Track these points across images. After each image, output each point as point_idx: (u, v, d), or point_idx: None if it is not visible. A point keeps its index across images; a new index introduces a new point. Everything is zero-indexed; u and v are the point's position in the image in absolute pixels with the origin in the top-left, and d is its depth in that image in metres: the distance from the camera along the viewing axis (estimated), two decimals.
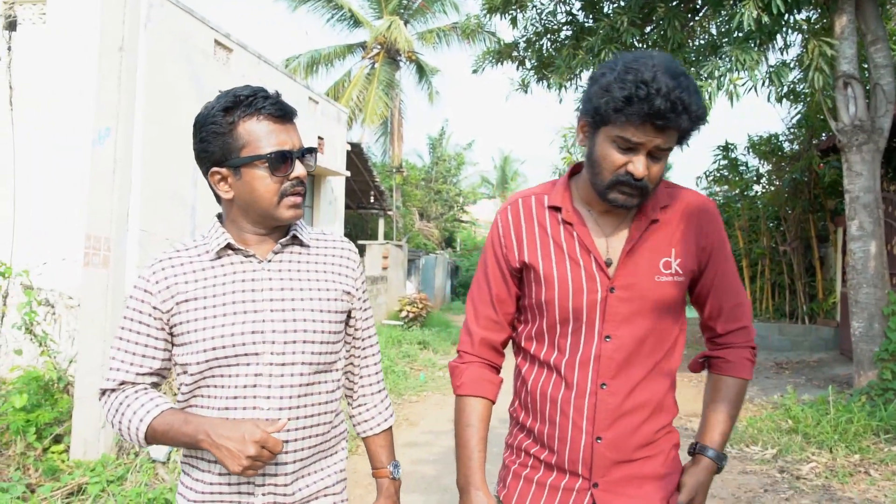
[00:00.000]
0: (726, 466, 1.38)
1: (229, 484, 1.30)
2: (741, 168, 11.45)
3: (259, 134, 1.28)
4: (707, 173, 11.61)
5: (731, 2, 6.27)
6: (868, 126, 6.22)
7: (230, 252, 1.35)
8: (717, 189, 11.74)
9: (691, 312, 1.51)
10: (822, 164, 9.79)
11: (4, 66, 6.11)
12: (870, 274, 6.18)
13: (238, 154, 1.28)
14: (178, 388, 1.35)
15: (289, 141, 1.30)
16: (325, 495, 1.39)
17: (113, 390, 1.33)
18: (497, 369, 1.49)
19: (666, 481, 1.37)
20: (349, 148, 13.61)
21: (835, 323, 9.78)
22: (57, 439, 3.90)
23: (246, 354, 1.28)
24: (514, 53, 8.55)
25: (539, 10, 8.15)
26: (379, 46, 20.71)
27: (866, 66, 6.69)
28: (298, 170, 1.31)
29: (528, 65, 8.51)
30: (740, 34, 6.09)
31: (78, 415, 3.80)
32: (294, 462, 1.32)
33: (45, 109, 6.22)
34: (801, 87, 8.42)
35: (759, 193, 11.53)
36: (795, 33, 6.98)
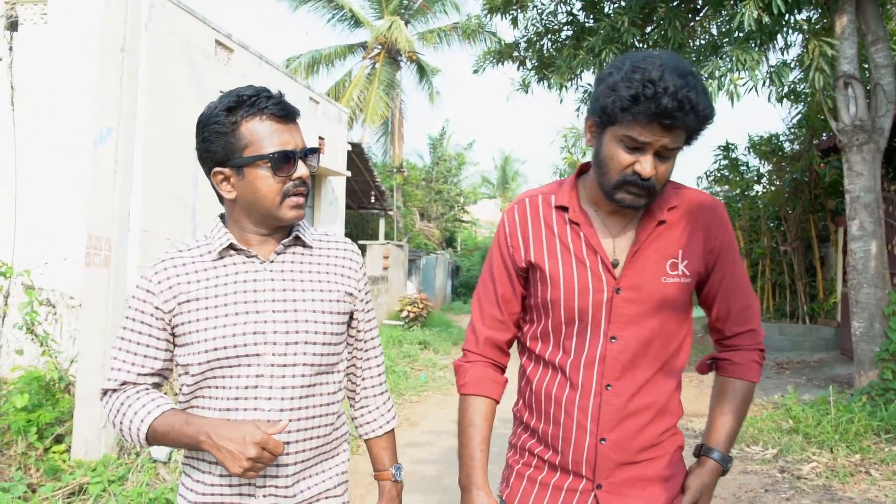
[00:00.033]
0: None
1: (230, 485, 1.29)
2: (742, 168, 11.44)
3: (262, 134, 1.27)
4: (707, 173, 11.61)
5: (732, 2, 6.28)
6: (868, 126, 6.22)
7: (232, 252, 1.34)
8: (718, 189, 11.73)
9: (698, 312, 1.51)
10: (822, 164, 9.79)
11: (6, 67, 6.12)
12: (870, 274, 6.17)
13: (241, 154, 1.28)
14: (180, 389, 1.35)
15: (291, 141, 1.30)
16: (327, 497, 1.38)
17: (114, 390, 1.33)
18: (502, 369, 1.48)
19: (670, 483, 1.36)
20: (350, 148, 13.61)
21: (835, 323, 9.78)
22: (58, 439, 3.90)
23: (247, 355, 1.28)
24: (515, 53, 8.55)
25: (540, 11, 8.16)
26: (380, 46, 20.71)
27: (867, 66, 6.69)
28: (301, 170, 1.30)
29: (528, 65, 8.52)
30: (741, 34, 6.09)
31: (79, 415, 3.80)
32: (295, 464, 1.32)
33: (47, 110, 6.22)
34: (802, 87, 8.42)
35: (760, 193, 11.52)
36: (796, 33, 6.98)
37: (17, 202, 6.01)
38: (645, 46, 7.66)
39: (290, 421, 1.29)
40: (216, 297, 1.30)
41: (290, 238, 1.37)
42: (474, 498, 1.38)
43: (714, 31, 7.95)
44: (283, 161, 1.28)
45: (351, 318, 1.45)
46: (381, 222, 17.77)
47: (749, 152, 11.23)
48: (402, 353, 9.53)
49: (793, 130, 10.75)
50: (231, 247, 1.34)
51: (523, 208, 1.42)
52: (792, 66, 7.14)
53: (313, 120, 10.90)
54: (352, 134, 18.11)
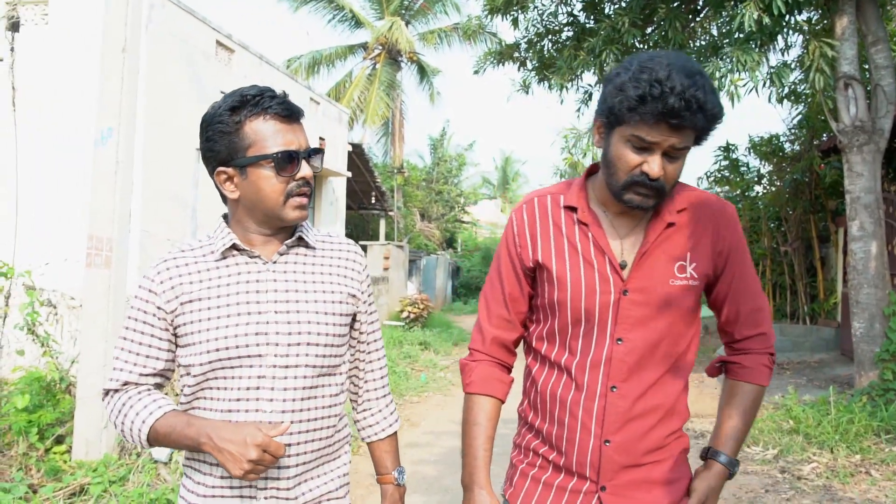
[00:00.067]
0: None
1: (231, 487, 1.29)
2: (742, 169, 11.43)
3: (265, 133, 1.27)
4: (708, 174, 11.61)
5: (732, 3, 6.28)
6: (869, 127, 6.22)
7: (235, 253, 1.34)
8: (719, 190, 11.73)
9: (705, 311, 1.50)
10: (822, 164, 9.79)
11: (7, 67, 6.12)
12: (870, 274, 6.17)
13: (244, 154, 1.28)
14: (181, 390, 1.34)
15: (295, 141, 1.29)
16: (329, 500, 1.37)
17: (116, 391, 1.32)
18: (508, 368, 1.48)
19: (675, 486, 1.35)
20: (350, 148, 13.62)
21: (836, 323, 9.77)
22: (59, 440, 3.91)
23: (249, 356, 1.27)
24: (516, 54, 8.55)
25: (540, 11, 8.15)
26: (380, 47, 20.72)
27: (867, 66, 6.69)
28: (304, 170, 1.30)
29: (529, 66, 8.52)
30: (741, 35, 6.09)
31: (80, 415, 3.80)
32: (297, 466, 1.31)
33: (48, 110, 6.23)
34: (802, 87, 8.42)
35: (760, 194, 11.51)
36: (796, 34, 6.98)
37: (18, 202, 6.02)
38: (645, 47, 7.66)
39: (292, 423, 1.29)
40: (218, 298, 1.30)
41: (294, 239, 1.36)
42: (476, 497, 1.37)
43: (714, 32, 7.95)
44: (286, 161, 1.27)
45: (354, 319, 1.44)
46: (382, 223, 17.78)
47: (749, 153, 11.23)
48: (403, 354, 9.53)
49: (793, 131, 10.75)
50: (234, 247, 1.33)
51: (532, 208, 1.41)
52: (792, 66, 7.14)
53: (314, 121, 10.91)
54: (352, 134, 18.12)
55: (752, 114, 11.26)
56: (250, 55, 8.72)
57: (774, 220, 11.02)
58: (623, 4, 7.56)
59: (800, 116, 10.32)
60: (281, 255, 1.35)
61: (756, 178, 11.55)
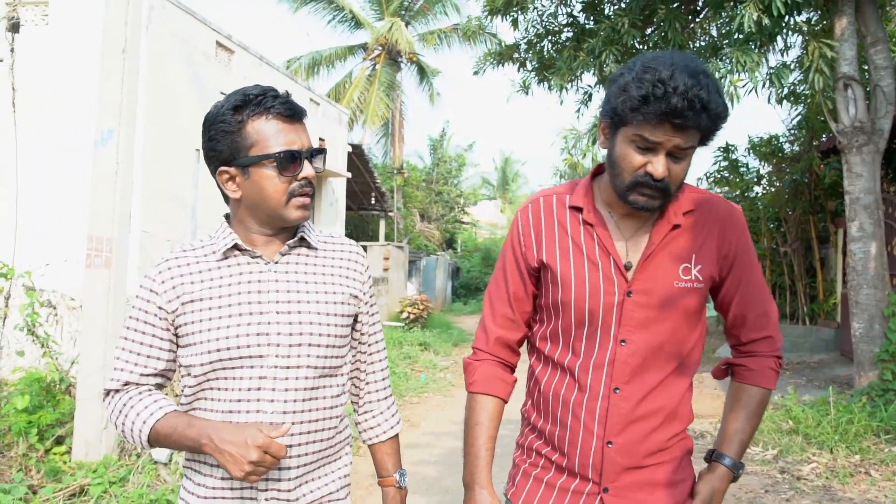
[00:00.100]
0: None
1: (232, 488, 1.28)
2: (742, 169, 11.44)
3: (268, 133, 1.27)
4: (707, 174, 11.61)
5: (732, 3, 6.29)
6: (868, 127, 6.22)
7: (237, 253, 1.33)
8: (718, 190, 11.73)
9: (710, 311, 1.49)
10: (822, 165, 9.79)
11: (7, 68, 6.12)
12: (870, 275, 6.18)
13: (246, 153, 1.27)
14: (182, 391, 1.33)
15: (298, 141, 1.29)
16: (329, 501, 1.37)
17: (117, 391, 1.32)
18: (511, 368, 1.47)
19: (678, 488, 1.34)
20: (350, 149, 13.63)
21: (835, 324, 9.77)
22: (59, 440, 3.90)
23: (250, 357, 1.27)
24: (515, 55, 8.55)
25: (540, 12, 8.16)
26: (380, 48, 20.74)
27: (866, 67, 6.70)
28: (307, 170, 1.30)
29: (528, 66, 8.52)
30: (741, 36, 6.10)
31: (80, 416, 3.80)
32: (298, 467, 1.30)
33: (48, 111, 6.24)
34: (802, 88, 8.42)
35: (760, 195, 11.51)
36: (796, 35, 6.99)
37: (18, 203, 6.02)
38: (645, 48, 7.66)
39: (293, 424, 1.28)
40: (220, 298, 1.29)
41: (296, 239, 1.36)
42: (477, 496, 1.37)
43: (714, 33, 7.95)
44: (288, 161, 1.27)
45: (355, 320, 1.44)
46: (382, 223, 17.79)
47: (749, 154, 11.23)
48: (403, 355, 9.53)
49: (792, 132, 10.75)
50: (236, 247, 1.33)
51: (537, 207, 1.41)
52: (792, 67, 7.15)
53: (314, 121, 10.92)
54: (352, 135, 18.13)
55: (752, 114, 11.26)
56: (250, 56, 8.73)
57: (774, 220, 11.02)
58: (623, 5, 7.57)
59: (799, 117, 10.32)
60: (283, 255, 1.35)
61: (755, 179, 11.55)
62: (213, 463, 1.29)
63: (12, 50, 6.11)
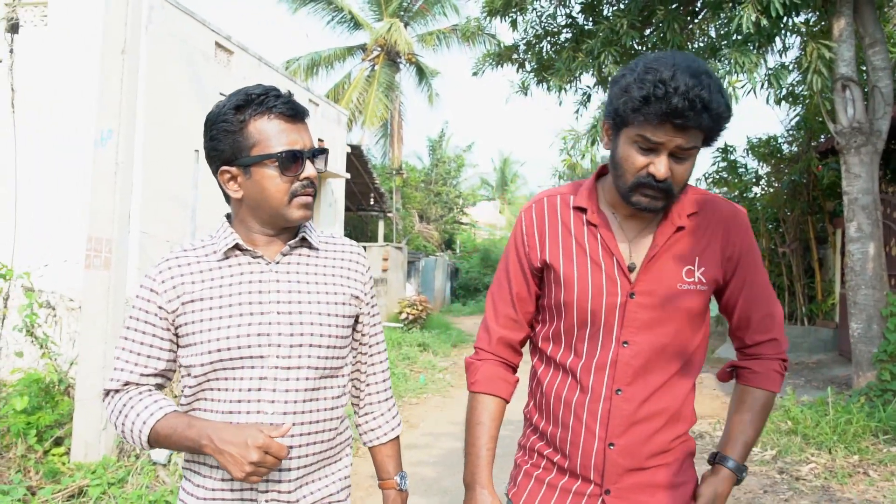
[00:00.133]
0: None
1: (231, 490, 1.27)
2: (740, 170, 11.45)
3: (270, 133, 1.26)
4: (706, 175, 11.62)
5: (730, 4, 6.30)
6: (866, 128, 6.24)
7: (238, 253, 1.33)
8: (717, 191, 11.74)
9: (715, 310, 1.48)
10: (820, 165, 9.80)
11: (6, 69, 6.12)
12: (868, 275, 6.19)
13: (248, 153, 1.27)
14: (182, 391, 1.33)
15: (300, 141, 1.28)
16: (330, 503, 1.36)
17: (116, 391, 1.31)
18: (513, 368, 1.47)
19: (680, 490, 1.34)
20: (349, 150, 13.63)
21: (834, 324, 9.79)
22: (58, 442, 3.90)
23: (251, 357, 1.26)
24: (514, 56, 8.56)
25: (539, 13, 8.17)
26: (379, 48, 20.75)
27: (864, 68, 6.71)
28: (309, 170, 1.29)
29: (527, 67, 8.53)
30: (739, 37, 6.11)
31: (79, 417, 3.80)
32: (298, 468, 1.30)
33: (47, 111, 6.24)
34: (800, 89, 8.43)
35: (758, 195, 11.53)
36: (794, 36, 7.00)
37: (18, 204, 6.01)
38: (643, 49, 7.67)
39: (294, 425, 1.28)
40: (220, 298, 1.29)
41: (297, 239, 1.35)
42: (478, 496, 1.37)
43: (712, 34, 7.96)
44: (290, 161, 1.27)
45: (356, 321, 1.43)
46: (381, 224, 17.80)
47: (747, 154, 11.24)
48: (402, 356, 9.54)
49: (791, 132, 10.76)
50: (237, 247, 1.32)
51: (541, 208, 1.41)
52: (790, 68, 7.16)
53: (313, 122, 10.87)
54: (351, 136, 18.15)
55: (750, 115, 11.28)
56: (249, 56, 8.73)
57: (772, 221, 11.03)
58: (621, 6, 7.58)
59: (797, 118, 10.34)
60: (284, 255, 1.34)
61: (754, 180, 11.56)
62: (213, 464, 1.28)
63: (11, 51, 6.11)
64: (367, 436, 1.50)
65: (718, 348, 10.23)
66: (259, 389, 1.27)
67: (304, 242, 1.37)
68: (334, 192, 12.87)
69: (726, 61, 6.14)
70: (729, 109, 1.20)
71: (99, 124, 3.86)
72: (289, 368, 1.28)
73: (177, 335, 1.31)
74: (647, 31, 7.72)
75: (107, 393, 1.33)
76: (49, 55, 6.32)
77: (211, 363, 1.26)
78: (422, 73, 22.02)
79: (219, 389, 1.28)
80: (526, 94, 8.56)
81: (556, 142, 8.49)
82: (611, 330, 1.31)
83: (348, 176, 13.28)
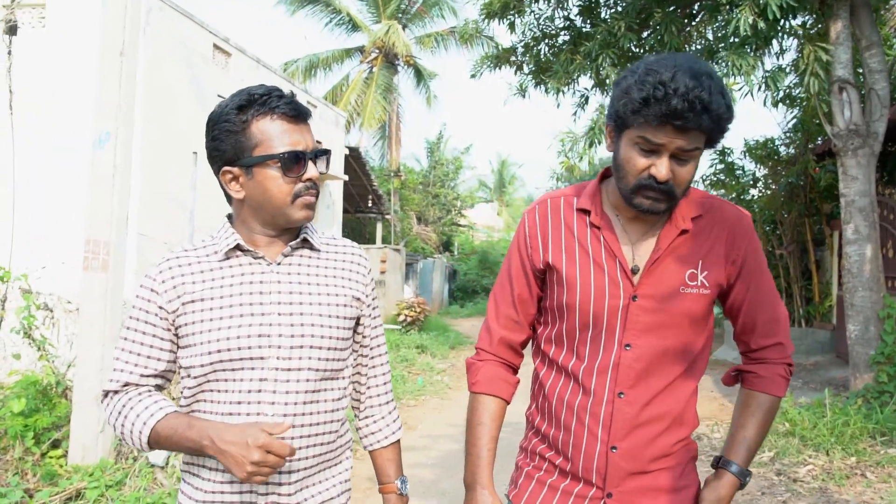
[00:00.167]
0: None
1: (231, 492, 1.26)
2: (737, 172, 11.48)
3: (272, 133, 1.25)
4: (704, 177, 11.65)
5: (728, 7, 6.32)
6: (863, 130, 6.26)
7: (239, 253, 1.32)
8: (714, 193, 11.76)
9: (718, 309, 1.47)
10: (817, 168, 9.83)
11: (4, 71, 6.11)
12: (865, 277, 6.21)
13: (250, 153, 1.26)
14: (181, 393, 1.32)
15: (302, 141, 1.28)
16: None
17: (116, 392, 1.30)
18: (514, 369, 1.47)
19: (682, 494, 1.33)
20: (347, 152, 13.63)
21: (831, 326, 9.81)
22: (55, 444, 3.89)
23: (251, 358, 1.25)
24: (512, 58, 8.57)
25: (537, 16, 8.18)
26: (377, 50, 20.76)
27: (861, 70, 6.74)
28: (311, 171, 1.29)
29: (525, 69, 8.54)
30: (736, 39, 6.13)
31: (76, 419, 3.79)
32: (299, 471, 1.29)
33: (45, 113, 6.23)
34: (797, 91, 8.46)
35: (756, 197, 11.55)
36: (791, 38, 7.03)
37: (16, 206, 6.00)
38: (641, 51, 7.69)
39: (294, 427, 1.27)
40: (221, 298, 1.28)
41: (298, 240, 1.35)
42: (479, 497, 1.36)
43: (710, 36, 7.98)
44: (293, 161, 1.26)
45: (357, 323, 1.43)
46: (379, 226, 17.80)
47: (745, 156, 11.27)
48: (400, 358, 9.53)
49: (788, 135, 10.79)
50: (238, 247, 1.31)
51: (544, 209, 1.40)
52: (787, 70, 7.18)
53: (311, 124, 10.91)
54: (349, 138, 18.15)
55: (748, 117, 11.31)
56: (247, 59, 8.73)
57: (770, 223, 11.05)
58: (619, 9, 7.60)
59: (795, 120, 10.37)
60: (285, 256, 1.34)
61: (751, 182, 11.59)
62: (213, 466, 1.27)
63: (10, 52, 6.10)
64: (367, 439, 1.49)
65: (716, 350, 10.24)
66: (259, 391, 1.26)
67: (306, 243, 1.37)
68: (332, 194, 12.87)
69: (723, 64, 6.16)
70: (730, 111, 1.20)
71: (97, 126, 3.86)
72: (289, 370, 1.27)
73: (177, 336, 1.30)
74: (645, 34, 7.73)
75: (105, 394, 1.32)
76: (47, 57, 6.32)
77: (211, 364, 1.26)
78: (420, 75, 22.04)
79: (218, 391, 1.27)
80: (524, 96, 8.58)
81: (553, 144, 8.51)
82: (613, 332, 1.30)
83: (346, 178, 13.28)
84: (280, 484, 1.28)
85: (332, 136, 12.25)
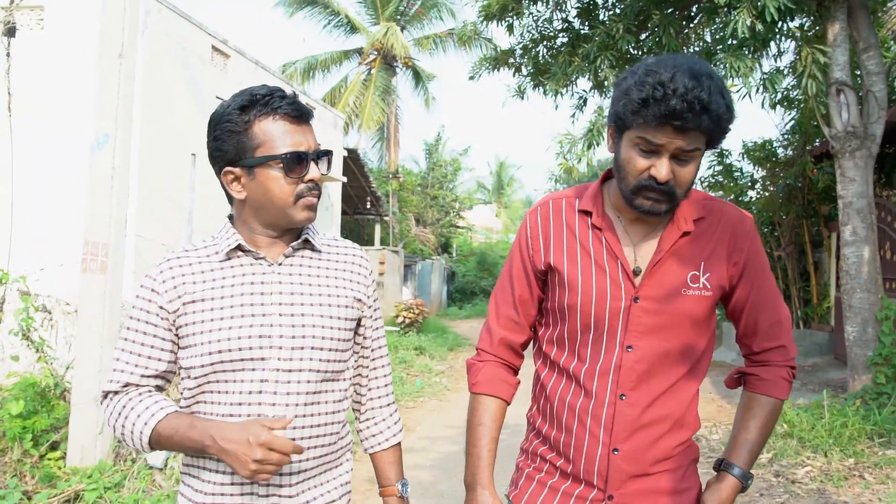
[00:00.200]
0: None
1: (232, 494, 1.26)
2: (736, 174, 11.50)
3: (274, 134, 1.25)
4: (702, 179, 11.67)
5: (726, 9, 6.33)
6: (861, 132, 6.27)
7: (240, 254, 1.32)
8: (712, 195, 11.77)
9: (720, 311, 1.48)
10: (815, 169, 9.86)
11: (3, 72, 6.11)
12: (863, 279, 6.22)
13: (252, 154, 1.26)
14: (181, 394, 1.32)
15: (304, 142, 1.28)
16: None
17: (116, 392, 1.29)
18: (515, 370, 1.47)
19: (683, 497, 1.33)
20: (346, 154, 13.64)
21: (829, 328, 9.82)
22: (53, 446, 3.89)
23: (252, 359, 1.25)
24: (511, 60, 8.58)
25: (535, 18, 8.20)
26: (375, 52, 20.77)
27: (859, 72, 6.76)
28: (313, 172, 1.28)
29: (524, 71, 8.55)
30: (734, 41, 6.15)
31: (75, 421, 3.79)
32: (300, 472, 1.29)
33: (44, 115, 6.22)
34: (795, 93, 8.48)
35: (754, 199, 11.58)
36: (789, 41, 7.05)
37: (14, 207, 6.00)
38: (639, 53, 7.71)
39: (295, 428, 1.26)
40: (222, 299, 1.27)
41: (300, 241, 1.34)
42: (479, 497, 1.36)
43: (708, 39, 8.01)
44: (295, 162, 1.26)
45: (358, 324, 1.42)
46: (377, 228, 17.80)
47: (743, 158, 11.30)
48: (398, 359, 9.53)
49: (786, 136, 10.82)
50: (239, 248, 1.31)
51: (546, 210, 1.40)
52: (785, 72, 7.20)
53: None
54: (347, 139, 18.15)
55: (746, 119, 11.34)
56: (246, 60, 8.73)
57: (768, 224, 11.08)
58: (617, 11, 7.61)
59: (792, 122, 10.39)
60: (286, 257, 1.33)
61: (749, 184, 11.61)
62: (213, 468, 1.27)
63: (8, 54, 6.10)
64: (368, 441, 1.48)
65: (714, 351, 10.25)
66: (260, 392, 1.25)
67: (307, 244, 1.36)
68: (331, 196, 12.86)
69: (721, 66, 6.18)
70: (730, 111, 1.20)
71: (96, 128, 3.86)
72: (290, 371, 1.27)
73: (177, 336, 1.30)
74: (643, 36, 7.75)
75: (105, 395, 1.31)
76: (46, 59, 6.32)
77: (211, 364, 1.25)
78: (418, 76, 22.05)
79: (219, 392, 1.26)
80: (522, 98, 8.59)
81: (552, 145, 8.52)
82: (614, 334, 1.30)
83: (345, 179, 13.28)
84: (281, 486, 1.27)
85: (331, 137, 12.26)
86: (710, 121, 1.17)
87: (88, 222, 3.85)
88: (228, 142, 1.27)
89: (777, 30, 6.47)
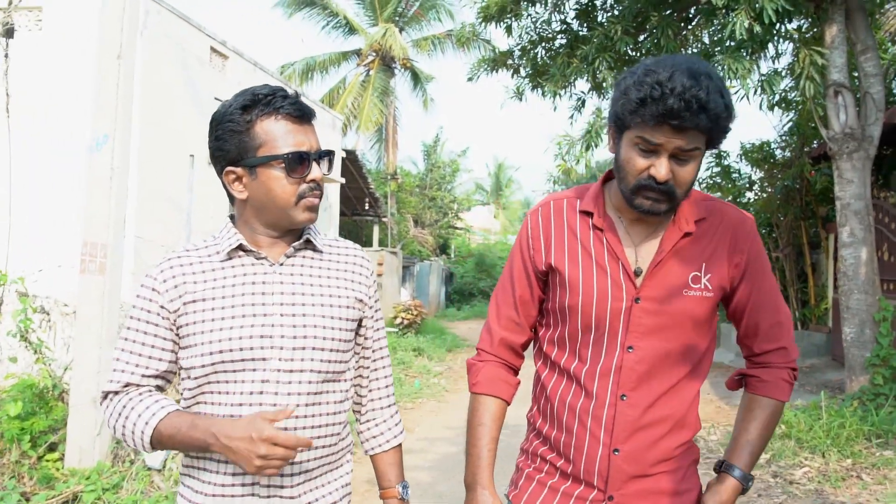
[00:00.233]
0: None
1: (233, 496, 1.26)
2: (734, 175, 11.52)
3: (276, 134, 1.25)
4: (700, 180, 11.69)
5: (724, 11, 6.35)
6: (858, 134, 6.29)
7: (241, 253, 1.31)
8: (713, 195, 11.80)
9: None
10: (813, 171, 9.88)
11: (1, 73, 6.10)
12: (861, 280, 6.23)
13: (254, 153, 1.26)
14: (181, 394, 1.31)
15: (306, 142, 1.27)
16: None
17: (116, 392, 1.28)
18: (515, 371, 1.47)
19: (684, 498, 1.33)
20: (344, 155, 13.64)
21: (827, 329, 9.84)
22: (52, 447, 3.88)
23: (253, 359, 1.25)
24: (509, 61, 8.59)
25: (534, 19, 8.21)
26: (374, 54, 20.77)
27: (856, 74, 6.78)
28: (315, 172, 1.28)
29: (522, 73, 8.56)
30: (732, 43, 6.16)
31: (73, 422, 3.78)
32: (301, 473, 1.28)
33: (42, 116, 6.22)
34: (793, 95, 8.50)
35: (752, 200, 11.60)
36: (787, 42, 7.06)
37: (12, 208, 5.99)
38: (638, 55, 7.72)
39: (296, 429, 1.26)
40: (223, 299, 1.27)
41: (301, 241, 1.34)
42: (479, 497, 1.36)
43: (706, 40, 8.02)
44: (297, 162, 1.26)
45: (359, 325, 1.42)
46: (375, 229, 17.80)
47: (741, 159, 11.32)
48: (397, 360, 9.53)
49: (784, 138, 10.84)
50: (240, 248, 1.31)
51: (547, 211, 1.41)
52: (783, 74, 7.21)
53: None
54: (346, 141, 18.15)
55: (744, 121, 11.37)
56: (244, 61, 8.73)
57: (766, 226, 11.09)
58: (616, 12, 7.63)
59: (790, 123, 10.42)
60: (288, 257, 1.33)
61: (747, 185, 11.64)
62: (213, 469, 1.26)
63: (6, 55, 6.09)
64: (368, 443, 1.48)
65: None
66: (261, 392, 1.25)
67: (309, 245, 1.36)
68: (329, 197, 12.86)
69: (719, 67, 6.19)
70: (729, 110, 1.20)
71: (94, 129, 3.85)
72: (291, 371, 1.27)
73: (178, 336, 1.29)
74: (642, 37, 7.76)
75: (105, 395, 1.30)
76: (44, 60, 6.31)
77: (212, 364, 1.25)
78: (417, 78, 22.06)
79: (219, 392, 1.26)
80: (521, 99, 8.59)
81: (550, 147, 8.52)
82: (615, 335, 1.30)
83: (343, 181, 13.28)
84: (282, 486, 1.27)
85: (329, 138, 12.26)
86: (709, 120, 1.17)
87: (87, 223, 3.85)
88: (230, 141, 1.27)
89: (775, 31, 6.48)
